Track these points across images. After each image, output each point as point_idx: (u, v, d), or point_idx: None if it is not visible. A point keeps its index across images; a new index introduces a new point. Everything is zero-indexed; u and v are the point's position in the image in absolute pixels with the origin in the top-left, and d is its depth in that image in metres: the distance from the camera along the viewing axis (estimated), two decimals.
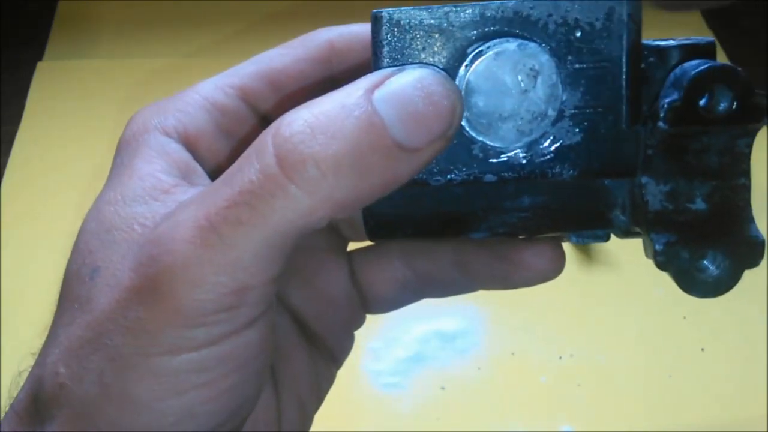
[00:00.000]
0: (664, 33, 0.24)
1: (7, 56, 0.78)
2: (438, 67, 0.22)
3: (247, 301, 0.21)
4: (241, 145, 0.26)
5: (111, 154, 0.25)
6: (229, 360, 0.22)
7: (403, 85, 0.21)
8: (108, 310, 0.21)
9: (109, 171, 0.25)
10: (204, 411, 0.22)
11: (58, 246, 0.63)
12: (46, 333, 0.24)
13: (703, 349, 0.59)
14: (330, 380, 0.31)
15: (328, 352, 0.30)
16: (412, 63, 0.23)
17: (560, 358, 0.58)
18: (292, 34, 0.27)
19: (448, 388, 0.57)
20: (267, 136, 0.21)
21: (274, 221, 0.20)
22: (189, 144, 0.25)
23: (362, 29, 0.26)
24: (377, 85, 0.21)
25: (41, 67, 0.77)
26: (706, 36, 0.24)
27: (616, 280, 0.63)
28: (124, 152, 0.24)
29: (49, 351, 0.23)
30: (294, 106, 0.26)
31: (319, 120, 0.20)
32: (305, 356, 0.29)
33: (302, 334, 0.29)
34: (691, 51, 0.23)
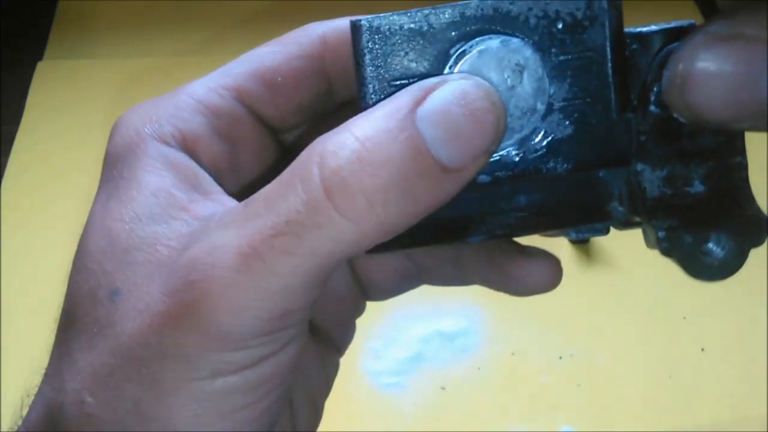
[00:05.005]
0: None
1: (7, 56, 0.78)
2: (423, 70, 0.22)
3: (289, 324, 0.21)
4: (239, 147, 0.25)
5: None
6: (270, 379, 0.22)
7: (446, 102, 0.20)
8: (138, 336, 0.21)
9: (103, 182, 0.24)
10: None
11: (58, 246, 0.63)
12: (51, 351, 0.23)
13: (703, 349, 0.59)
14: (335, 369, 0.31)
15: (331, 342, 0.30)
16: (396, 69, 0.22)
17: (560, 358, 0.58)
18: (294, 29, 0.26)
19: (448, 388, 0.57)
20: (311, 163, 0.20)
21: (322, 251, 0.20)
22: (188, 150, 0.24)
23: None
24: (419, 102, 0.20)
25: (41, 67, 0.77)
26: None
27: (616, 280, 0.63)
28: (120, 163, 0.23)
29: (68, 377, 0.22)
30: (291, 104, 0.25)
31: (366, 148, 0.20)
32: (311, 350, 0.29)
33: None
34: (673, 35, 0.23)
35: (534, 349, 0.59)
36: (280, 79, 0.25)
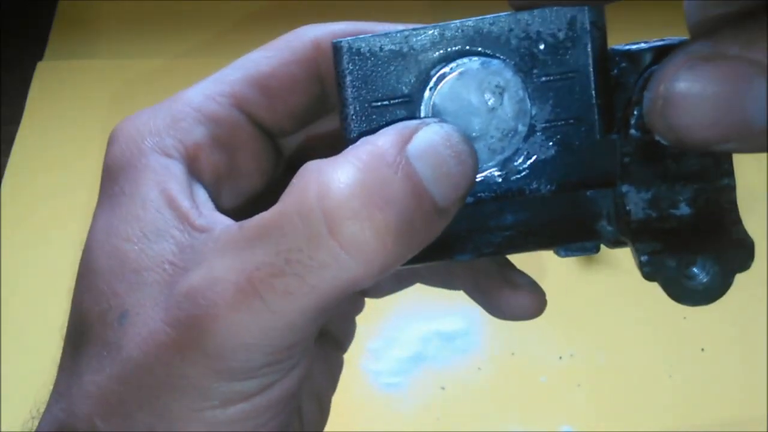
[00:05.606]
0: (650, 30, 0.24)
1: (7, 56, 0.78)
2: (404, 92, 0.22)
3: (295, 353, 0.21)
4: (239, 154, 0.25)
5: None
6: (279, 401, 0.22)
7: (433, 143, 0.20)
8: (145, 366, 0.21)
9: (103, 196, 0.23)
10: None
11: (57, 246, 0.63)
12: (59, 366, 0.23)
13: (703, 349, 0.59)
14: (340, 366, 0.31)
15: (334, 341, 0.31)
16: (376, 90, 0.22)
17: (560, 358, 0.58)
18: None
19: (448, 388, 0.57)
20: (310, 195, 0.20)
21: (325, 290, 0.20)
22: (189, 160, 0.24)
23: (347, 27, 0.25)
24: (407, 140, 0.20)
25: (41, 67, 0.77)
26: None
27: (616, 280, 0.63)
28: (120, 177, 0.23)
29: (78, 400, 0.22)
30: (286, 109, 0.25)
31: (368, 181, 0.19)
32: (316, 350, 0.29)
33: None
34: (663, 53, 0.22)
35: (534, 349, 0.59)
36: (275, 84, 0.25)
